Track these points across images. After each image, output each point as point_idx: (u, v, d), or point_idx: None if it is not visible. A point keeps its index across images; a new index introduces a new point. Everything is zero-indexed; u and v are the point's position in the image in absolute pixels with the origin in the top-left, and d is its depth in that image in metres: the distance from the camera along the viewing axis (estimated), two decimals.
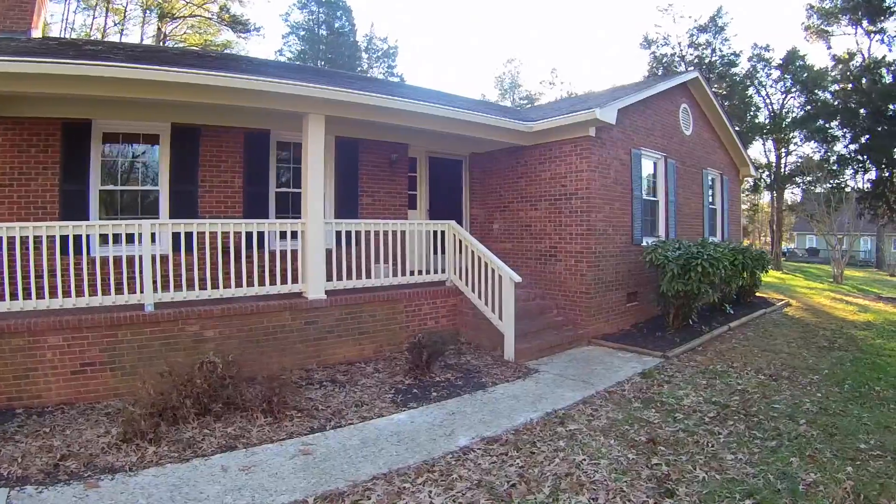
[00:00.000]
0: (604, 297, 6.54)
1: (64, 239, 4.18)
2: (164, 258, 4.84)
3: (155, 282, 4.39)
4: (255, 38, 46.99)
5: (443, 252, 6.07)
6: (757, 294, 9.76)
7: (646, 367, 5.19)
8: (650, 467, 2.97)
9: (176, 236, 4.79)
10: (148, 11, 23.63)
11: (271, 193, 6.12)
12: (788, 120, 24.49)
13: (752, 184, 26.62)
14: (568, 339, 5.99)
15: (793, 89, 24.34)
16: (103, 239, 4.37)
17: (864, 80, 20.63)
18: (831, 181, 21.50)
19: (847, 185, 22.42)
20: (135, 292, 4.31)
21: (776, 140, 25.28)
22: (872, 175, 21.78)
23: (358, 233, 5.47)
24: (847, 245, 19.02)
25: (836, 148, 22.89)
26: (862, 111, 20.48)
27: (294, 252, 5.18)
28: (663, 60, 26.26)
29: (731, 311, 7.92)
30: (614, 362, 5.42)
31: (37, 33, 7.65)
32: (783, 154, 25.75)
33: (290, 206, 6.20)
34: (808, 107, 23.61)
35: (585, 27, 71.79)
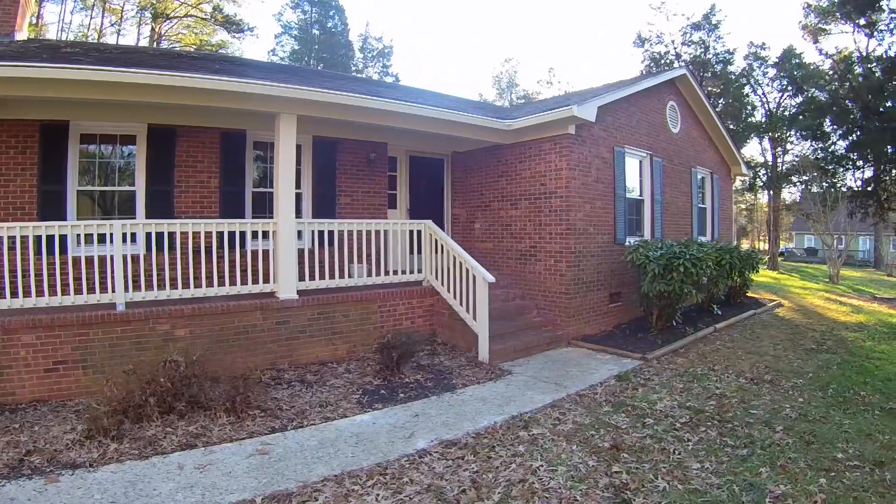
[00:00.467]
0: (584, 297, 6.48)
1: (38, 239, 4.22)
2: (138, 258, 4.85)
3: (131, 281, 4.43)
4: (250, 38, 47.20)
5: (420, 252, 6.04)
6: (748, 294, 9.69)
7: (623, 369, 5.10)
8: (610, 475, 2.88)
9: (150, 236, 4.81)
10: (143, 12, 23.71)
11: (247, 193, 6.09)
12: (781, 118, 24.33)
13: (748, 183, 26.48)
14: (546, 341, 5.92)
15: (788, 87, 24.19)
16: (80, 239, 4.43)
17: (854, 75, 20.43)
18: (827, 180, 21.31)
19: (843, 185, 22.26)
20: (106, 292, 4.33)
21: (772, 139, 25.12)
22: (865, 173, 21.62)
23: (332, 232, 5.43)
24: (844, 245, 18.89)
25: (831, 147, 22.71)
26: (848, 103, 20.25)
27: (267, 252, 5.16)
28: (657, 59, 26.12)
29: (719, 312, 7.84)
30: (591, 364, 5.34)
31: (21, 35, 7.69)
32: (780, 153, 25.59)
33: (268, 207, 6.17)
34: (801, 104, 23.43)
35: (586, 27, 71.67)
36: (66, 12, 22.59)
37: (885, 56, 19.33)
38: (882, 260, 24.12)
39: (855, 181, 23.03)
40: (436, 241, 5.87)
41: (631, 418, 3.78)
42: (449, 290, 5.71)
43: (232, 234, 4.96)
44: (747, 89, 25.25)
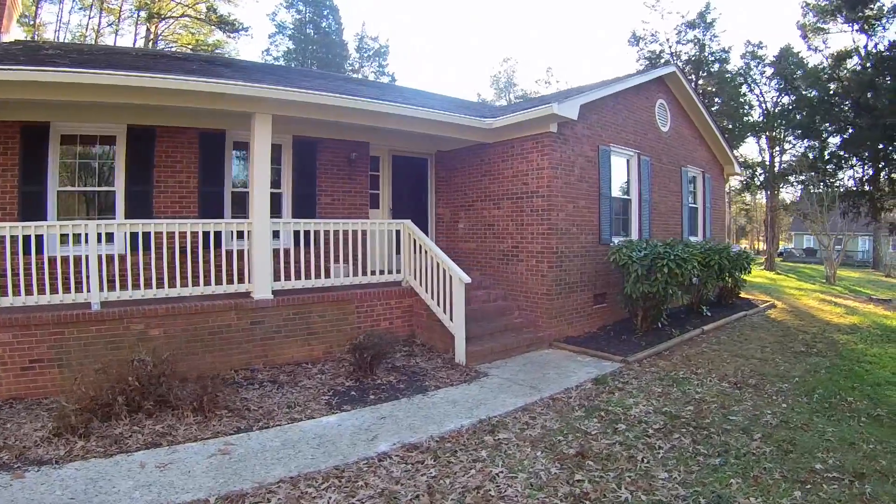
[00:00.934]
0: (567, 298, 6.43)
1: (16, 239, 4.25)
2: (117, 258, 4.91)
3: (109, 281, 4.45)
4: (244, 37, 47.17)
5: (399, 252, 6.01)
6: (741, 295, 9.58)
7: (602, 372, 5.00)
8: (571, 484, 2.78)
9: (127, 236, 4.84)
10: (139, 12, 23.79)
11: (227, 193, 6.07)
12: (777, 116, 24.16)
13: (745, 183, 26.29)
14: (527, 342, 5.86)
15: (785, 87, 24.01)
16: (57, 239, 4.45)
17: (848, 71, 20.23)
18: (823, 179, 21.12)
19: (840, 185, 22.04)
20: (82, 291, 4.35)
21: (769, 138, 24.94)
22: (859, 173, 21.42)
23: (308, 232, 5.39)
24: (842, 245, 18.70)
25: (825, 146, 22.53)
26: (837, 99, 20.04)
27: (243, 252, 5.15)
28: (652, 58, 25.97)
29: (709, 314, 7.74)
30: (570, 367, 5.26)
31: (8, 37, 7.72)
32: (776, 152, 25.39)
33: (248, 206, 6.16)
34: (793, 101, 23.25)
35: (586, 26, 71.45)
36: (65, 12, 22.73)
37: (874, 51, 19.14)
38: (881, 261, 23.86)
39: (848, 180, 22.87)
40: (414, 240, 5.83)
41: (602, 423, 3.68)
42: (427, 291, 5.67)
43: (207, 234, 4.94)
44: (744, 88, 25.10)
